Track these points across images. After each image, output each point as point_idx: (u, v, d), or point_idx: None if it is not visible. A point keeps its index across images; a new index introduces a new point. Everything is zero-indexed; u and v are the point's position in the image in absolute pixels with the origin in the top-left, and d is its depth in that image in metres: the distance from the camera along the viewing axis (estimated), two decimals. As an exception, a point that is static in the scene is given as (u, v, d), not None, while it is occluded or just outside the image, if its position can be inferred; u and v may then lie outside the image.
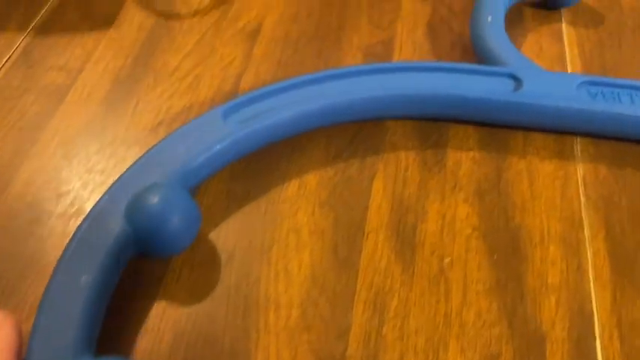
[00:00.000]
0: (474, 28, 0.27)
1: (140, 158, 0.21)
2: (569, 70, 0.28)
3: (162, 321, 0.20)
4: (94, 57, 0.28)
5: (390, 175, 0.24)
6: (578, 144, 0.25)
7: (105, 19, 0.30)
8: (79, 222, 0.19)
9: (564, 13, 0.30)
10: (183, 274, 0.21)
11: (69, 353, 0.17)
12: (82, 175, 0.24)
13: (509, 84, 0.24)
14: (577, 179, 0.24)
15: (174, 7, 0.31)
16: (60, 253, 0.19)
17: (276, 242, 0.22)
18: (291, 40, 0.29)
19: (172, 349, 0.19)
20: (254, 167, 0.24)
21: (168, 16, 0.30)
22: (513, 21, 0.30)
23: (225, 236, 0.22)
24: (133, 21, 0.30)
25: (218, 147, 0.22)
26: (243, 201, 0.23)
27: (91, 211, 0.20)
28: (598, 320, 0.20)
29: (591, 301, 0.20)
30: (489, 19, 0.27)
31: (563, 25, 0.30)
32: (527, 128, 0.25)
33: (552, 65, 0.28)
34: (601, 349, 0.19)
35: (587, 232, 0.22)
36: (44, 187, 0.23)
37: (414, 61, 0.27)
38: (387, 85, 0.24)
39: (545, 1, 0.30)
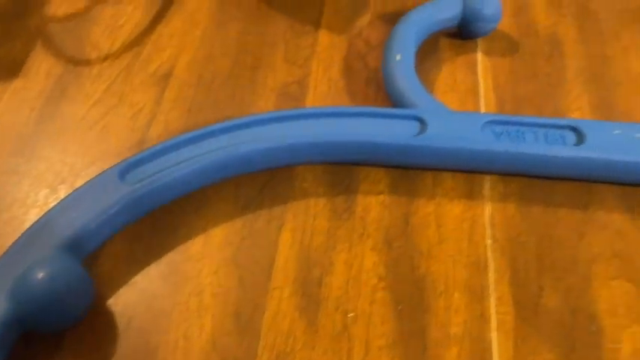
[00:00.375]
0: (384, 67, 0.27)
1: (29, 228, 0.21)
2: (482, 103, 0.28)
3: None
4: None
5: (298, 226, 0.23)
6: (487, 182, 0.25)
7: (10, 67, 0.29)
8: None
9: (480, 42, 0.30)
10: (79, 345, 0.20)
11: None
12: (-21, 241, 0.23)
13: (414, 127, 0.24)
14: (484, 220, 0.24)
15: (84, 52, 0.30)
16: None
17: (177, 306, 0.21)
18: (204, 82, 0.29)
19: None
20: (158, 225, 0.23)
21: (78, 61, 0.29)
22: (429, 52, 0.30)
23: (125, 302, 0.21)
24: (41, 68, 0.29)
25: (113, 211, 0.21)
26: (144, 263, 0.22)
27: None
28: (498, 371, 0.20)
29: (492, 352, 0.20)
30: (398, 57, 0.27)
31: (479, 55, 0.30)
32: (437, 169, 0.25)
33: (466, 98, 0.28)
34: None
35: (491, 277, 0.22)
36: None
37: (321, 107, 0.26)
38: (294, 133, 0.24)
39: (461, 31, 0.30)
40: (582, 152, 0.23)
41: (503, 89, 0.28)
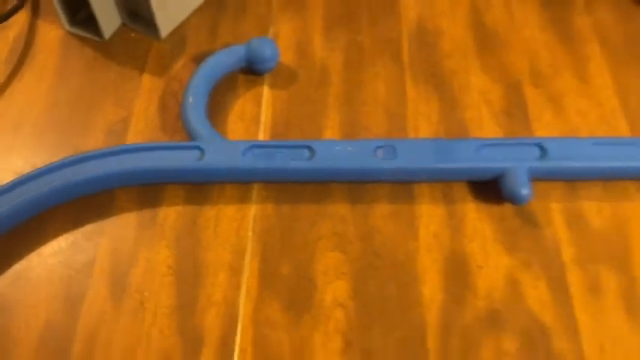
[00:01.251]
0: (181, 107, 0.36)
1: None
2: (261, 129, 0.37)
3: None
4: None
5: (115, 235, 0.33)
6: (254, 190, 0.34)
7: None
8: None
9: (267, 77, 0.39)
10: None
11: None
12: None
13: (196, 154, 0.33)
14: (249, 218, 0.33)
15: None
16: None
17: (21, 301, 0.30)
18: (49, 128, 0.37)
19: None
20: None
21: None
22: (228, 88, 0.39)
23: (-16, 301, 0.30)
24: None
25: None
26: (-2, 272, 0.31)
27: None
28: (241, 321, 0.30)
29: (239, 309, 0.30)
30: (190, 100, 0.36)
31: (264, 89, 0.39)
32: (218, 182, 0.34)
33: (250, 126, 0.37)
34: (239, 341, 0.29)
35: (247, 258, 0.32)
36: None
37: (131, 144, 0.35)
38: (110, 166, 0.33)
39: (250, 70, 0.39)
40: (313, 164, 0.33)
41: (279, 116, 0.38)
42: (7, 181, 0.32)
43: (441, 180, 0.34)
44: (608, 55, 0.40)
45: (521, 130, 0.37)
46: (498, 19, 0.42)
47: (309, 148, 0.34)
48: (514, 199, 0.33)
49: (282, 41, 0.41)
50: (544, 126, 0.37)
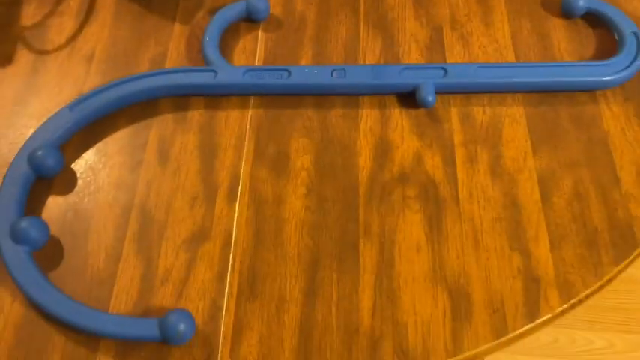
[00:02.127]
0: (202, 45, 0.52)
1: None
2: (256, 60, 0.53)
3: None
4: None
5: (159, 128, 0.49)
6: (251, 100, 0.51)
7: (3, 60, 0.54)
8: None
9: (262, 24, 0.55)
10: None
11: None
12: None
13: (211, 75, 0.50)
14: (248, 118, 0.50)
15: (46, 46, 0.54)
16: None
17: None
18: (111, 58, 0.53)
19: None
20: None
21: (42, 52, 0.54)
22: (234, 32, 0.55)
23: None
24: (22, 59, 0.54)
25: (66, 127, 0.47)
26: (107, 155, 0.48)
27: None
28: (242, 178, 0.46)
29: (240, 171, 0.47)
30: (207, 39, 0.52)
31: (259, 32, 0.55)
32: (226, 95, 0.51)
33: (249, 57, 0.53)
34: (240, 190, 0.46)
35: (246, 142, 0.48)
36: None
37: (167, 68, 0.51)
38: (153, 82, 0.49)
39: (249, 19, 0.55)
40: (289, 81, 0.49)
41: (269, 51, 0.54)
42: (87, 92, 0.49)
43: (377, 93, 0.50)
44: (509, 6, 0.55)
45: (437, 60, 0.53)
46: (432, -20, 0.58)
47: (287, 70, 0.50)
48: (423, 104, 0.49)
49: (272, -2, 0.57)
50: (454, 56, 0.53)
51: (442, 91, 0.50)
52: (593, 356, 1.09)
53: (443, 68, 0.49)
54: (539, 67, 0.50)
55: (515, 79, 0.49)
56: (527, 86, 0.49)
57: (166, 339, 0.38)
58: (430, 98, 0.48)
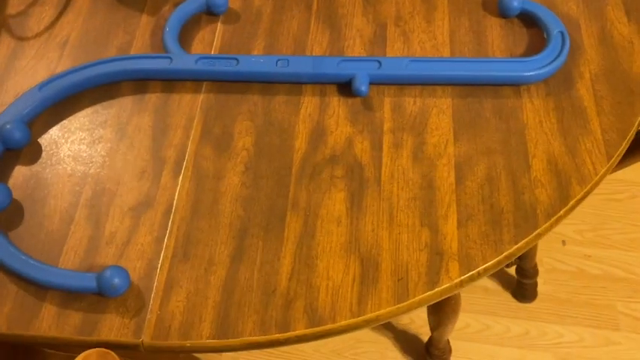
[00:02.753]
0: (163, 34, 0.57)
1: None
2: (212, 50, 0.58)
3: None
4: (-13, 63, 0.58)
5: (118, 108, 0.54)
6: (204, 85, 0.55)
7: (-10, 43, 0.59)
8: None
9: (221, 17, 0.60)
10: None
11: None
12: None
13: (168, 61, 0.55)
14: (199, 101, 0.54)
15: (26, 34, 0.60)
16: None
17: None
18: (84, 47, 0.59)
19: None
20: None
21: (22, 39, 0.59)
22: (195, 23, 0.60)
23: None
24: (3, 44, 0.59)
25: (33, 106, 0.52)
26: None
27: None
28: (187, 154, 0.51)
29: (187, 148, 0.52)
30: (167, 29, 0.57)
31: (218, 25, 0.60)
32: (182, 79, 0.56)
33: (206, 47, 0.58)
34: (185, 165, 0.51)
35: (194, 123, 0.53)
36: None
37: (128, 55, 0.56)
38: (116, 66, 0.55)
39: (210, 12, 0.60)
40: (237, 69, 0.54)
41: (226, 42, 0.59)
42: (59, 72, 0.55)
43: (317, 82, 0.55)
44: (451, 5, 0.59)
45: (378, 54, 0.57)
46: (381, -20, 0.62)
47: (236, 59, 0.55)
48: (357, 93, 0.53)
49: (233, -6, 0.62)
50: (394, 51, 0.57)
51: (377, 82, 0.54)
52: (562, 349, 1.12)
53: (377, 61, 0.54)
54: (467, 62, 0.54)
55: (443, 73, 0.53)
56: (454, 79, 0.53)
57: (102, 291, 0.43)
58: (363, 88, 0.52)
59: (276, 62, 0.54)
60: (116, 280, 0.43)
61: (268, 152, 0.52)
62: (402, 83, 0.55)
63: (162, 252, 0.47)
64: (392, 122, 0.53)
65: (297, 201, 0.49)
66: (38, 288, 0.45)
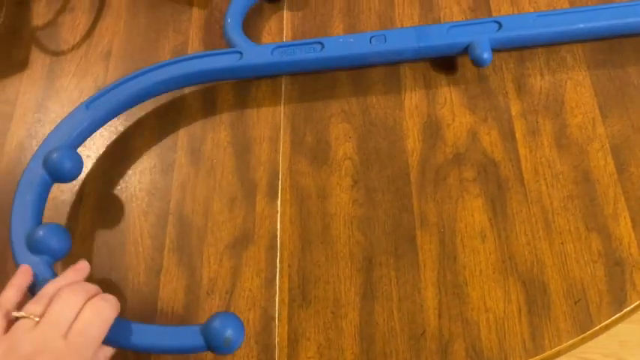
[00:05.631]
0: (223, 28, 0.48)
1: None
2: (284, 37, 0.49)
3: (88, 217, 0.43)
4: (22, 88, 0.49)
5: (188, 123, 0.46)
6: (283, 83, 0.47)
7: (17, 65, 0.50)
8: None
9: (286, 2, 0.51)
10: (93, 194, 0.44)
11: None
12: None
13: (237, 57, 0.45)
14: (280, 104, 0.46)
15: (60, 47, 0.51)
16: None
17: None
18: (128, 53, 0.50)
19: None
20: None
21: (57, 53, 0.51)
22: (256, 13, 0.50)
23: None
24: (37, 61, 0.50)
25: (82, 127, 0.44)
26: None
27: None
28: (281, 173, 0.43)
29: (279, 166, 0.43)
30: (229, 20, 0.47)
31: (284, 12, 0.50)
32: (254, 78, 0.47)
33: (274, 37, 0.49)
34: (281, 186, 0.42)
35: (281, 132, 0.44)
36: (16, 168, 0.45)
37: (188, 55, 0.47)
38: (176, 70, 0.46)
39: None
40: (324, 54, 0.45)
41: (297, 29, 0.49)
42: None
43: (423, 58, 0.45)
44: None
45: (484, 22, 0.47)
46: None
47: (320, 43, 0.45)
48: (480, 62, 0.43)
49: (295, -30, 0.52)
50: (502, 15, 0.47)
51: (497, 48, 0.44)
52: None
53: (496, 22, 0.44)
54: (603, 10, 0.44)
55: (579, 26, 0.43)
56: (592, 32, 0.44)
57: (212, 348, 0.35)
58: (486, 55, 0.43)
59: (370, 40, 0.45)
60: (229, 332, 0.35)
61: (377, 159, 0.43)
62: (528, 45, 0.45)
63: (277, 296, 0.39)
64: (520, 104, 0.44)
65: (426, 215, 0.40)
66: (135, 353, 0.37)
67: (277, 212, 0.42)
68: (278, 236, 0.41)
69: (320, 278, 0.39)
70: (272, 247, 0.40)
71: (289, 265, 0.40)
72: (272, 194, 0.42)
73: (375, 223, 0.41)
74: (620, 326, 0.36)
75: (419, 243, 0.39)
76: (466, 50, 0.44)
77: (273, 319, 0.38)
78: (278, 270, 0.40)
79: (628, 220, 0.39)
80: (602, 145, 0.41)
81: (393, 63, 0.46)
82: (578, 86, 0.44)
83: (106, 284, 0.40)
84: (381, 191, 0.42)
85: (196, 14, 0.51)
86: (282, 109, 0.46)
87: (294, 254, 0.40)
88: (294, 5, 0.51)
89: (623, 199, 0.39)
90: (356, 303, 0.38)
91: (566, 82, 0.44)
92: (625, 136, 0.41)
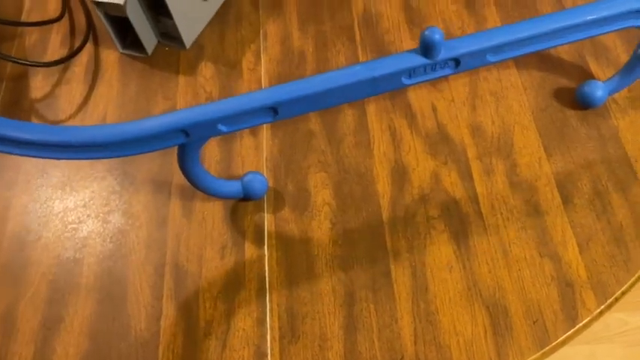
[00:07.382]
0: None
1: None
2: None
3: (90, 272, 0.47)
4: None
5: (180, 179, 0.50)
6: (264, 137, 0.52)
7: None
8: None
9: (263, 62, 0.56)
10: (94, 250, 0.48)
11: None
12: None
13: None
14: (263, 157, 0.51)
15: (58, 117, 0.56)
16: (37, 255, 0.45)
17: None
18: (123, 119, 0.55)
19: (97, 281, 0.46)
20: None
21: (55, 122, 0.55)
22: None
23: (108, 229, 0.48)
24: None
25: (92, 192, 0.48)
26: (112, 211, 0.49)
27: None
28: (267, 220, 0.47)
29: (264, 214, 0.48)
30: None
31: (262, 68, 0.56)
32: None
33: (255, 99, 0.54)
34: (267, 231, 0.47)
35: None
36: (20, 230, 0.49)
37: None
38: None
39: (251, 61, 0.56)
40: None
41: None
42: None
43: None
44: (501, 15, 0.56)
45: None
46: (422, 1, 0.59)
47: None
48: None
49: (270, 38, 0.58)
50: (456, 71, 0.53)
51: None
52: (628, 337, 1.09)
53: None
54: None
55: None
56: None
57: None
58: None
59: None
60: (231, 378, 0.39)
61: (352, 202, 0.48)
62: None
63: (269, 334, 0.43)
64: (475, 147, 0.49)
65: (398, 251, 0.45)
66: (143, 400, 0.41)
67: (265, 256, 0.46)
68: (266, 278, 0.45)
69: (307, 315, 0.43)
70: (261, 288, 0.44)
71: (278, 305, 0.44)
72: (259, 240, 0.47)
73: (353, 261, 0.45)
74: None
75: (393, 276, 0.44)
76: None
77: (266, 355, 0.42)
78: (268, 309, 0.44)
79: (575, 245, 0.44)
80: (549, 181, 0.47)
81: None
82: (524, 130, 0.50)
83: (105, 329, 0.44)
84: (357, 231, 0.46)
85: (182, 81, 0.57)
86: (264, 162, 0.51)
87: (281, 294, 0.44)
88: (270, 66, 0.56)
89: (569, 227, 0.44)
90: (340, 335, 0.42)
91: (514, 126, 0.50)
92: (568, 171, 0.47)
